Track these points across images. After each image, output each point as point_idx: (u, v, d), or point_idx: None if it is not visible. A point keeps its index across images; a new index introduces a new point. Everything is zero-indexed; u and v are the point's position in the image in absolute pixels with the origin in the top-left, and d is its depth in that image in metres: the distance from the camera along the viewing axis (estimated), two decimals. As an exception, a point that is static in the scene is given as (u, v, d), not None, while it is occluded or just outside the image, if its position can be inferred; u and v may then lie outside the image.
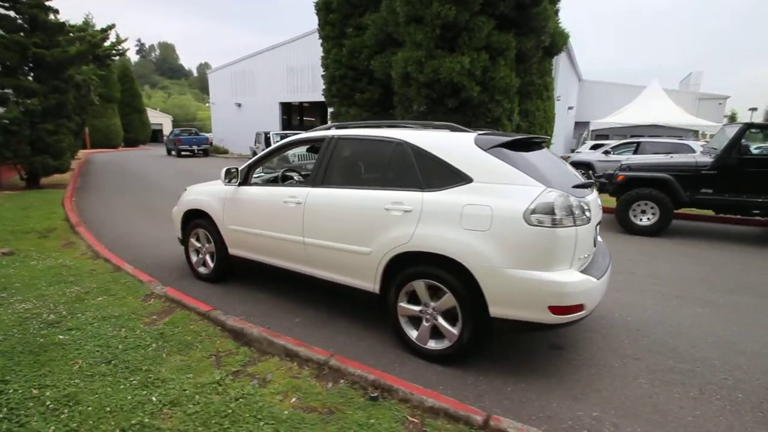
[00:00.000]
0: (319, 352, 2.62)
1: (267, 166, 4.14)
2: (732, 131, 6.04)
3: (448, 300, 2.62)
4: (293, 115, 31.17)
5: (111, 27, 12.38)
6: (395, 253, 2.74)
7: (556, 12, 11.91)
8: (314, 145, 4.05)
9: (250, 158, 17.21)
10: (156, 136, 42.45)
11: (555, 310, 2.34)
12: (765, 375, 2.68)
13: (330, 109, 14.12)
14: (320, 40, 13.65)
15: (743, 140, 5.85)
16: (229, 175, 3.70)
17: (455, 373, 2.63)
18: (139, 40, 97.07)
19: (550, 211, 2.33)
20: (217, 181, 4.50)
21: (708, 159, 6.21)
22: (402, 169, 2.86)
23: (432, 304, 2.71)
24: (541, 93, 13.13)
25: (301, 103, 30.21)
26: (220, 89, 28.41)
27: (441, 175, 2.68)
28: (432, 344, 2.75)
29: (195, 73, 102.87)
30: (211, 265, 4.16)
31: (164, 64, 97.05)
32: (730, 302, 3.83)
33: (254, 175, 3.90)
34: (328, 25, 13.01)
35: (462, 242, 2.48)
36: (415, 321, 2.84)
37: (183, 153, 23.52)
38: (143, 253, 5.18)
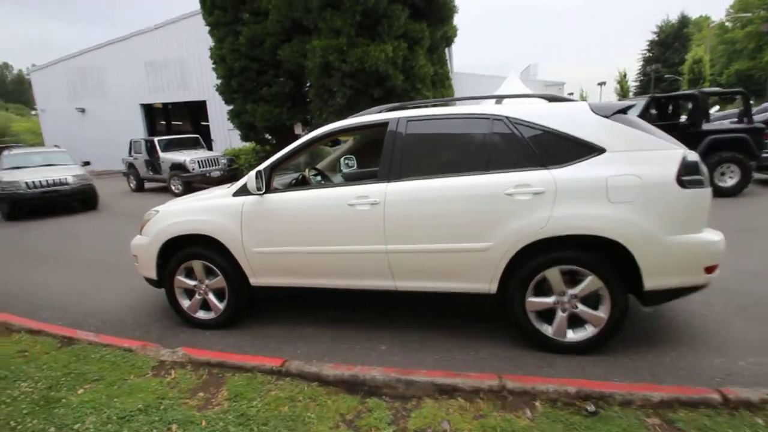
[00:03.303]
0: (484, 377, 2.13)
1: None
2: (641, 102, 7.19)
3: (591, 283, 2.40)
4: (157, 119, 26.76)
5: None
6: (526, 243, 2.39)
7: (453, 5, 12.56)
8: (336, 138, 3.37)
9: (125, 173, 14.18)
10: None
11: (709, 270, 2.33)
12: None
13: (228, 107, 12.43)
14: (208, 27, 11.83)
15: (650, 109, 7.05)
16: (257, 182, 2.76)
17: (608, 359, 2.44)
18: None
19: (696, 171, 2.29)
20: (208, 192, 3.41)
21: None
22: (509, 147, 2.51)
23: (570, 291, 2.45)
24: (443, 81, 13.82)
25: (165, 105, 26.10)
26: (51, 92, 22.66)
27: (564, 148, 2.42)
28: (571, 335, 2.51)
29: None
30: (219, 305, 3.12)
31: (-62, 63, 73.10)
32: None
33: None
34: (217, 9, 11.34)
35: (612, 217, 2.28)
36: (545, 314, 2.55)
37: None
38: (73, 312, 3.65)
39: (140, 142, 12.91)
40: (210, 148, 18.95)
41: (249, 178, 2.74)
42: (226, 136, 19.71)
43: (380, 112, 2.90)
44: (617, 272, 2.38)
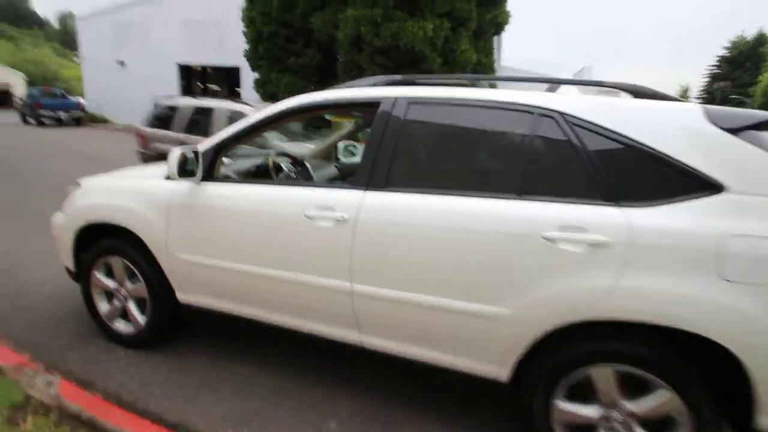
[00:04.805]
0: None
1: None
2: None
3: (664, 401, 1.47)
4: (194, 80, 26.65)
5: None
6: (566, 322, 1.49)
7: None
8: (311, 115, 2.51)
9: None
10: (3, 98, 32.91)
11: None
12: None
13: (255, 75, 11.77)
14: (241, -13, 11.10)
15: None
16: (186, 164, 1.96)
17: None
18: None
19: None
20: (146, 168, 2.65)
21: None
22: (559, 163, 1.59)
23: (626, 404, 1.53)
24: (487, 73, 12.59)
25: (204, 68, 25.88)
26: (95, 42, 22.78)
27: (653, 176, 1.47)
28: (614, 469, 1.60)
29: (55, 24, 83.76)
30: (140, 318, 2.38)
31: (9, 9, 76.75)
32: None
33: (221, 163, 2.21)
34: (252, -33, 10.55)
35: (726, 307, 1.33)
36: (581, 429, 1.65)
37: (45, 121, 18.36)
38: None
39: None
40: (237, 116, 18.53)
41: (171, 159, 1.93)
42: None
43: (375, 85, 2.01)
44: (710, 390, 1.44)
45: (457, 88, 1.85)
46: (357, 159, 3.36)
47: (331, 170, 3.12)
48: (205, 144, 2.09)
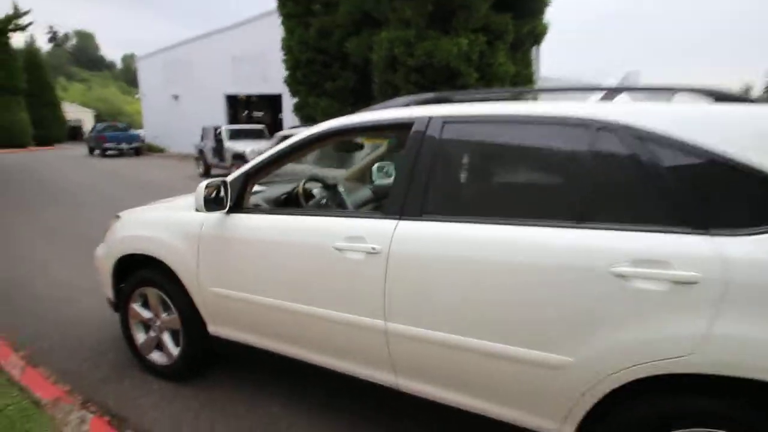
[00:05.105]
0: None
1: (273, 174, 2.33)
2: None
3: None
4: (239, 109, 28.20)
5: None
6: (644, 374, 1.23)
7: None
8: (342, 140, 2.43)
9: (198, 158, 14.05)
10: (75, 133, 36.63)
11: None
12: None
13: (294, 100, 12.17)
14: (281, 18, 11.64)
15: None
16: (215, 195, 1.92)
17: None
18: (51, 28, 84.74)
19: None
20: (179, 199, 2.66)
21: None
22: (627, 184, 1.35)
23: (726, 481, 1.23)
24: (526, 85, 12.21)
25: (248, 97, 27.36)
26: (151, 79, 24.86)
27: (752, 198, 1.20)
28: None
29: (119, 65, 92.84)
30: (173, 350, 2.35)
31: (82, 54, 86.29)
32: None
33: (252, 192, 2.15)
34: (289, 0, 11.04)
35: None
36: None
37: (108, 152, 20.08)
38: (47, 317, 3.18)
39: (209, 130, 13.21)
40: (279, 141, 19.24)
41: (198, 190, 1.89)
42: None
43: (407, 104, 1.87)
44: None
45: (498, 103, 1.68)
46: (390, 180, 3.22)
47: (366, 194, 3.00)
48: (233, 174, 2.04)
